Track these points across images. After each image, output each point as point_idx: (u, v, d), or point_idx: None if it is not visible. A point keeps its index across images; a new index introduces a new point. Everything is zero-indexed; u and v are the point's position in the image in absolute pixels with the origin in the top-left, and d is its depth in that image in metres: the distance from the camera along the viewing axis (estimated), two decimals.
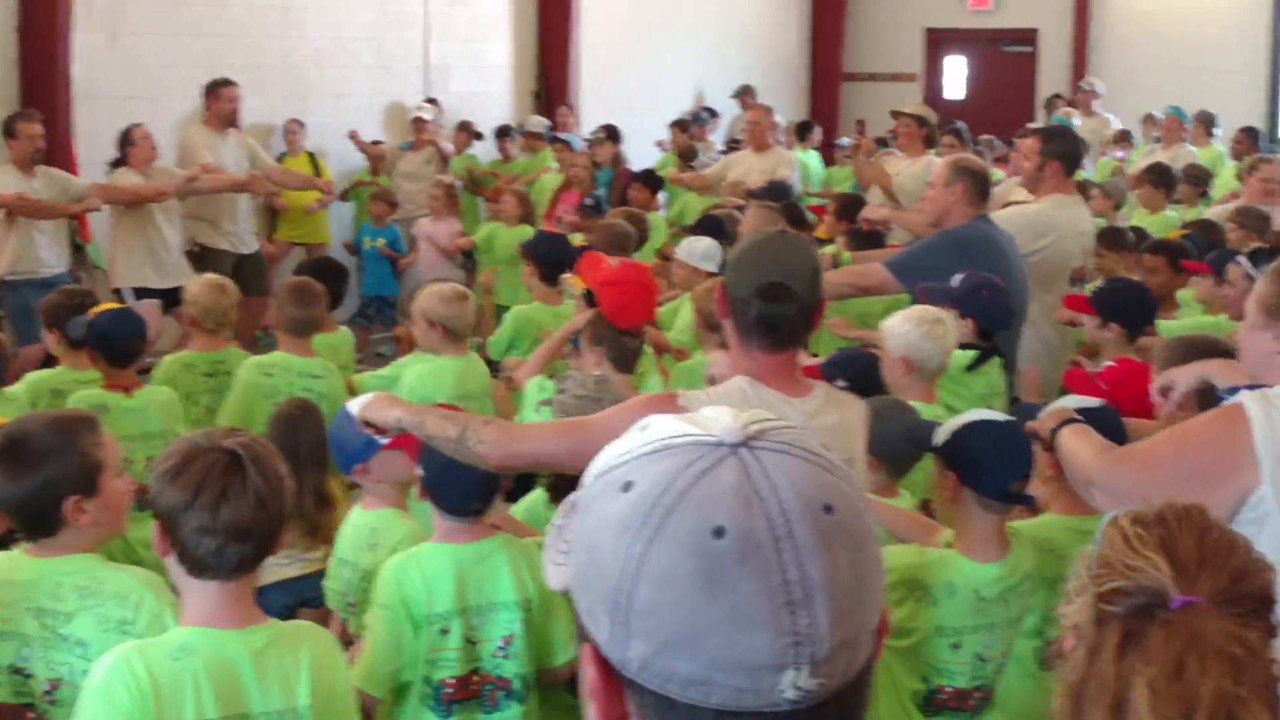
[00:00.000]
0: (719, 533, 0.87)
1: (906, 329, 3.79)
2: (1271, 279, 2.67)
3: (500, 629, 2.98)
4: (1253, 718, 1.35)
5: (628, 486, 0.90)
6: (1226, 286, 4.94)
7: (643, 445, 0.92)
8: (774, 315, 2.59)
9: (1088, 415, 3.03)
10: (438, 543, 2.94)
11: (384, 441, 2.99)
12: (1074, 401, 3.28)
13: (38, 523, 2.50)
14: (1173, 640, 1.37)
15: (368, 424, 2.71)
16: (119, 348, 4.34)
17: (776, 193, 6.84)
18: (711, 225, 6.23)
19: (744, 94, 11.44)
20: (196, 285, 5.06)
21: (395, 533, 3.17)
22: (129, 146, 6.96)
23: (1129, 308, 4.41)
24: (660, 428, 0.94)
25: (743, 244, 2.93)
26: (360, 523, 3.31)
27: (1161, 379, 3.16)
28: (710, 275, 5.42)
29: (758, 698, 0.87)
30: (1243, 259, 5.02)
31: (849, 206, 6.52)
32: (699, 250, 5.54)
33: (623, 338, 4.41)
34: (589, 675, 0.94)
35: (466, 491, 2.87)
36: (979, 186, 4.99)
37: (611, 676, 0.92)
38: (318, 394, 4.45)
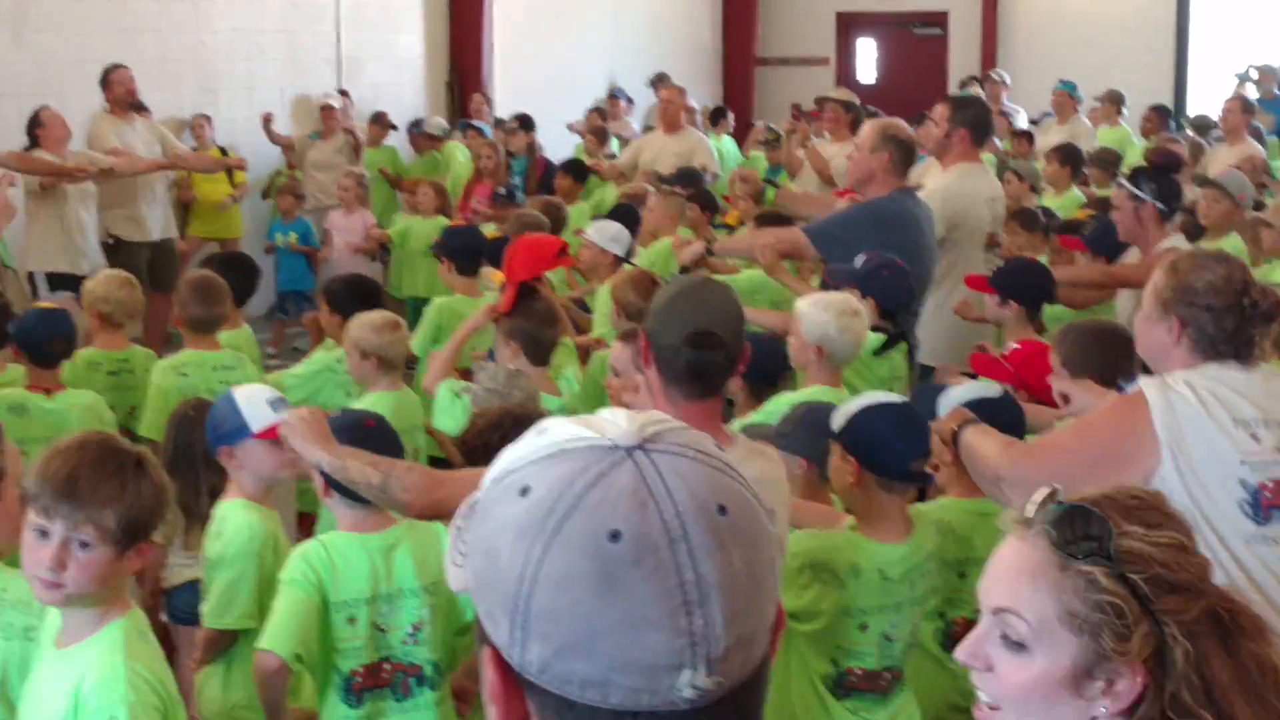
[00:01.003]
0: (615, 536, 0.89)
1: (824, 318, 3.86)
2: (1167, 272, 2.77)
3: (409, 615, 3.03)
4: None
5: (525, 491, 0.92)
6: (1115, 213, 5.08)
7: (540, 449, 0.94)
8: (703, 363, 2.62)
9: (988, 405, 3.20)
10: (345, 531, 2.97)
11: (254, 430, 3.08)
12: (974, 390, 3.40)
13: None
14: (1245, 637, 1.50)
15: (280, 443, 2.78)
16: (43, 348, 4.34)
17: (686, 179, 6.94)
18: (624, 213, 6.32)
19: (658, 81, 11.53)
20: (101, 280, 4.99)
21: (235, 521, 3.15)
22: (38, 129, 6.94)
23: (1027, 286, 4.55)
24: (557, 431, 0.95)
25: (666, 292, 2.92)
26: (231, 517, 3.28)
27: (1059, 386, 3.31)
28: (617, 260, 5.52)
29: (655, 697, 0.89)
30: (1124, 180, 5.19)
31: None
32: (609, 232, 5.59)
33: (538, 330, 4.42)
34: (489, 677, 0.95)
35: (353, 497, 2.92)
36: (904, 155, 5.12)
37: (511, 678, 0.94)
38: (232, 386, 4.43)
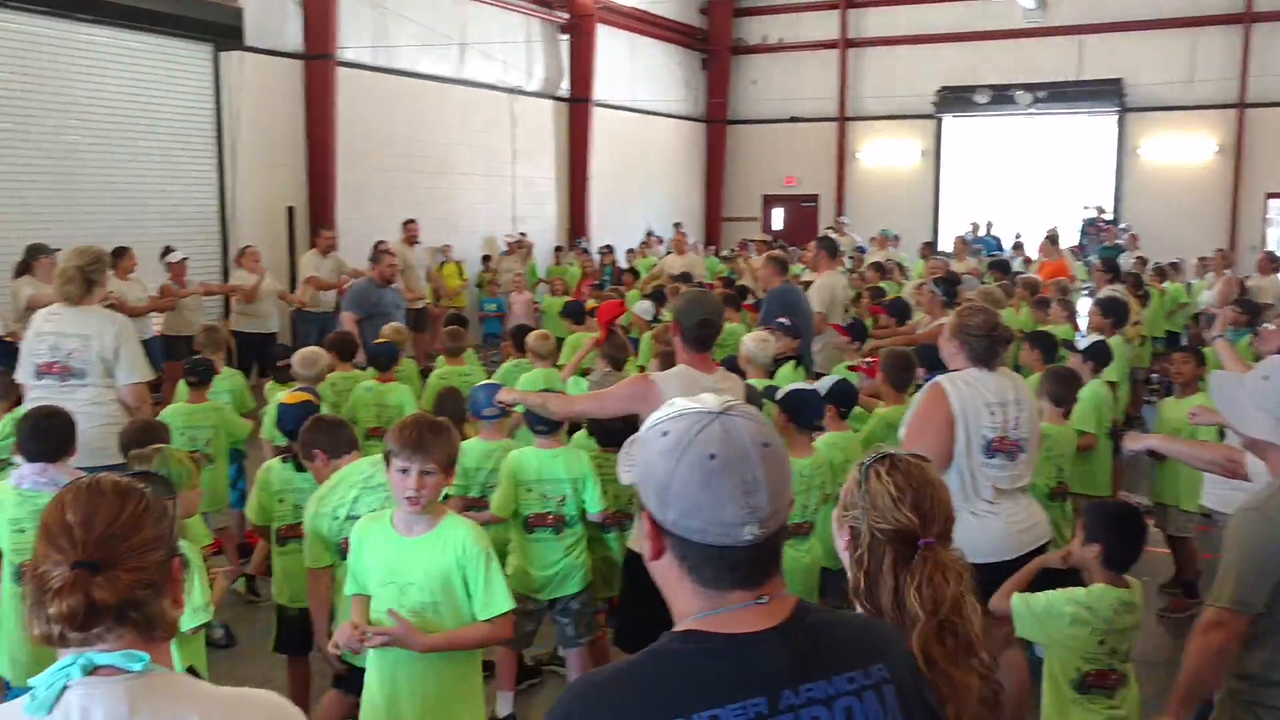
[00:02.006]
0: (712, 457, 1.41)
1: (752, 345, 6.15)
2: (956, 315, 4.17)
3: (563, 490, 4.65)
4: (970, 605, 1.95)
5: (665, 434, 1.46)
6: (916, 295, 9.50)
7: (672, 412, 1.48)
8: (704, 335, 4.16)
9: (836, 386, 5.21)
10: (535, 449, 4.60)
11: (492, 414, 4.66)
12: (828, 381, 5.40)
13: None
14: (925, 563, 1.96)
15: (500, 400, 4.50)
16: (382, 360, 6.88)
17: (684, 279, 13.59)
18: (654, 294, 10.50)
19: (677, 225, 19.14)
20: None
21: (477, 449, 4.89)
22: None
23: (856, 330, 7.73)
24: (679, 404, 1.49)
25: (685, 297, 4.43)
26: (471, 447, 4.88)
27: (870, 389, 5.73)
28: (649, 321, 8.79)
29: (731, 539, 1.42)
30: (932, 285, 8.81)
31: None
32: (642, 307, 9.37)
33: (617, 352, 6.41)
34: (645, 526, 1.50)
35: (548, 426, 4.61)
36: (782, 266, 8.26)
37: (657, 527, 1.48)
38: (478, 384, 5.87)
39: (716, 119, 24.03)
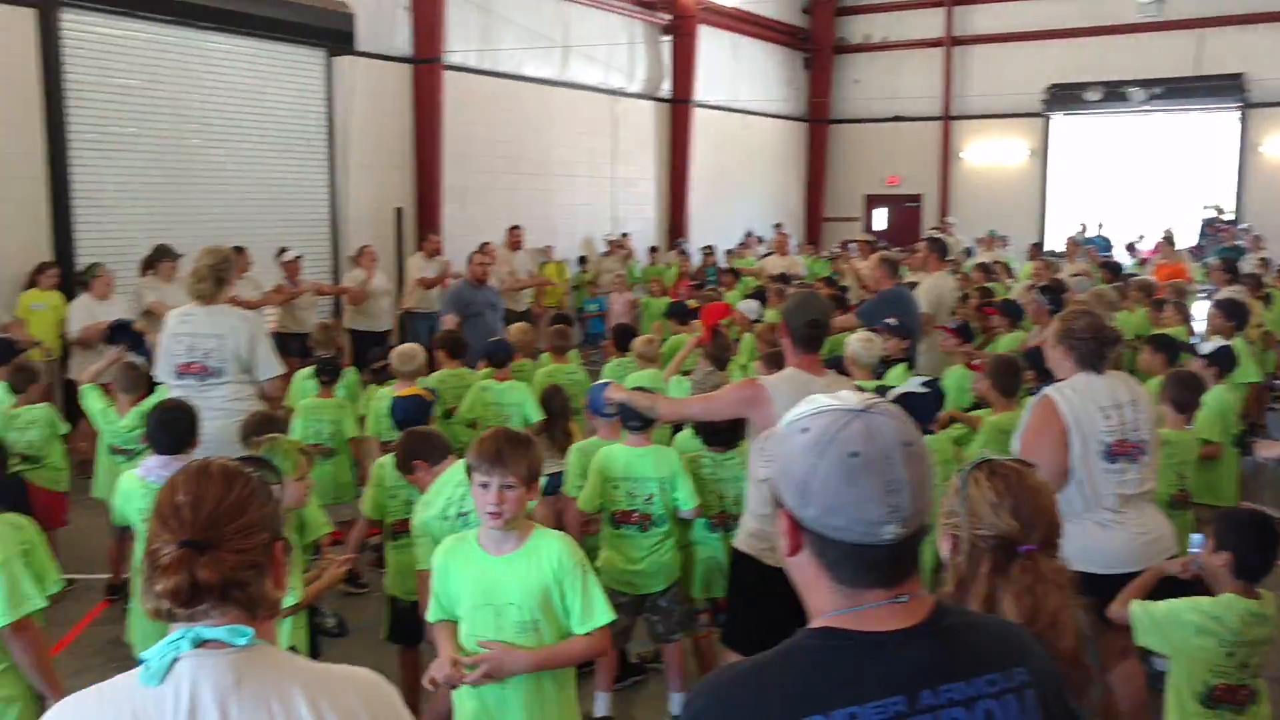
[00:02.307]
0: (854, 454, 1.40)
1: (858, 345, 6.13)
2: (1060, 320, 4.08)
3: (649, 489, 4.72)
4: (1070, 617, 1.92)
5: (805, 430, 1.45)
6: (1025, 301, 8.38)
7: (812, 409, 1.48)
8: (814, 336, 4.13)
9: (925, 388, 5.06)
10: (624, 446, 4.76)
11: (611, 411, 4.74)
12: (916, 381, 5.29)
13: None
14: (1025, 573, 1.94)
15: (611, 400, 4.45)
16: (499, 357, 7.27)
17: (783, 279, 13.43)
18: (757, 294, 10.62)
19: (778, 226, 19.06)
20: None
21: (582, 448, 5.09)
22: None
23: (969, 332, 7.65)
24: (820, 400, 1.48)
25: (794, 299, 4.43)
26: (581, 446, 5.09)
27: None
28: (753, 320, 8.71)
29: (872, 538, 1.42)
30: (1038, 293, 8.37)
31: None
32: (747, 307, 9.31)
33: (720, 351, 6.76)
34: (784, 524, 1.49)
35: (640, 423, 4.69)
36: (893, 269, 8.22)
37: (796, 525, 1.46)
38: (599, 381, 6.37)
39: (818, 118, 23.80)
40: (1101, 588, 3.05)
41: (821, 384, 4.00)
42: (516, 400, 6.52)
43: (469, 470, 3.03)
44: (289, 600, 3.55)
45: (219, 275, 5.54)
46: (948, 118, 22.94)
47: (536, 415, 6.32)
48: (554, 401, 6.02)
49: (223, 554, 1.60)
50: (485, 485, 2.93)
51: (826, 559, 1.46)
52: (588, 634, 3.06)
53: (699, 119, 19.49)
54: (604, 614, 3.06)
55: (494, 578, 3.02)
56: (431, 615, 3.17)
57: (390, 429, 5.85)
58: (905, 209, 23.45)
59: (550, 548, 3.03)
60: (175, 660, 1.58)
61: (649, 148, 18.95)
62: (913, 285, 9.00)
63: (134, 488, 4.41)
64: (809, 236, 22.91)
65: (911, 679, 1.43)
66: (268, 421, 4.94)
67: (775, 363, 5.16)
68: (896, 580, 1.48)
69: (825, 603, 1.49)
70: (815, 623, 1.51)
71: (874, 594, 1.47)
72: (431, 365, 7.27)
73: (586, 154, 17.32)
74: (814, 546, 1.47)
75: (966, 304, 10.09)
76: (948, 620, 1.51)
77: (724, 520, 4.96)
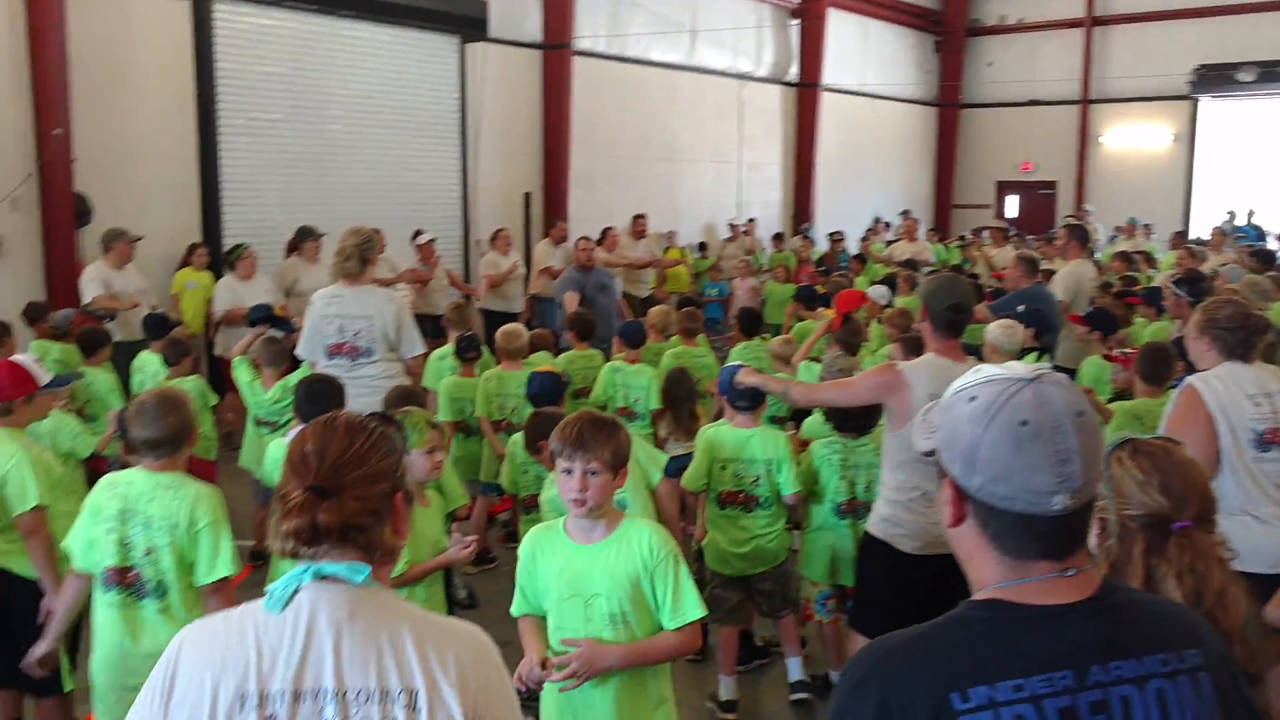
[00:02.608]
0: (1024, 423, 1.39)
1: (998, 332, 6.03)
2: (1202, 310, 3.89)
3: (756, 470, 4.77)
4: (1236, 593, 1.87)
5: (972, 399, 1.44)
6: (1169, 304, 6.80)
7: (980, 377, 1.46)
8: (955, 321, 4.04)
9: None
10: (732, 428, 4.81)
11: (729, 384, 4.62)
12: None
13: None
14: (1183, 550, 1.88)
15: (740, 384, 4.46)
16: (634, 338, 7.43)
17: (910, 265, 12.91)
18: (886, 280, 10.63)
19: (905, 212, 18.70)
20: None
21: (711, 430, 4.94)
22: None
23: (1103, 322, 7.14)
24: (987, 370, 1.47)
25: (935, 281, 4.33)
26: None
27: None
28: (884, 306, 8.70)
29: (1039, 508, 1.39)
30: (1174, 285, 6.97)
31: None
32: (877, 293, 9.26)
33: (850, 338, 6.62)
34: (947, 494, 1.48)
35: (749, 403, 4.72)
36: (1032, 268, 8.23)
37: (960, 494, 1.45)
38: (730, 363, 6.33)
39: (949, 103, 23.25)
40: (1262, 589, 2.90)
41: (962, 370, 3.90)
42: (644, 384, 6.55)
43: (553, 456, 2.92)
44: (402, 564, 3.57)
45: (364, 255, 5.69)
46: (1087, 101, 22.10)
47: (655, 403, 6.35)
48: (680, 385, 6.06)
49: (343, 500, 1.69)
50: (569, 471, 2.81)
51: (991, 529, 1.44)
52: (678, 629, 2.90)
53: (826, 103, 19.26)
54: (695, 608, 2.90)
55: (581, 568, 2.89)
56: (516, 609, 3.06)
57: (499, 409, 6.17)
58: (1039, 196, 22.79)
59: (641, 535, 2.90)
60: (297, 590, 1.69)
61: (775, 133, 18.80)
62: (1050, 273, 8.74)
63: (282, 454, 4.57)
64: (937, 223, 22.45)
65: (1080, 654, 1.40)
66: (407, 396, 5.09)
67: (913, 349, 5.07)
68: (1064, 553, 1.44)
69: (989, 575, 1.47)
70: (979, 595, 1.48)
71: (1041, 566, 1.44)
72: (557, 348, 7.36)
73: (712, 139, 17.29)
74: (979, 516, 1.45)
75: (1107, 293, 9.81)
76: (1117, 596, 1.48)
77: (854, 507, 4.92)
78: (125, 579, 3.50)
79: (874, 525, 4.33)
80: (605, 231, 12.67)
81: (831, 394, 4.56)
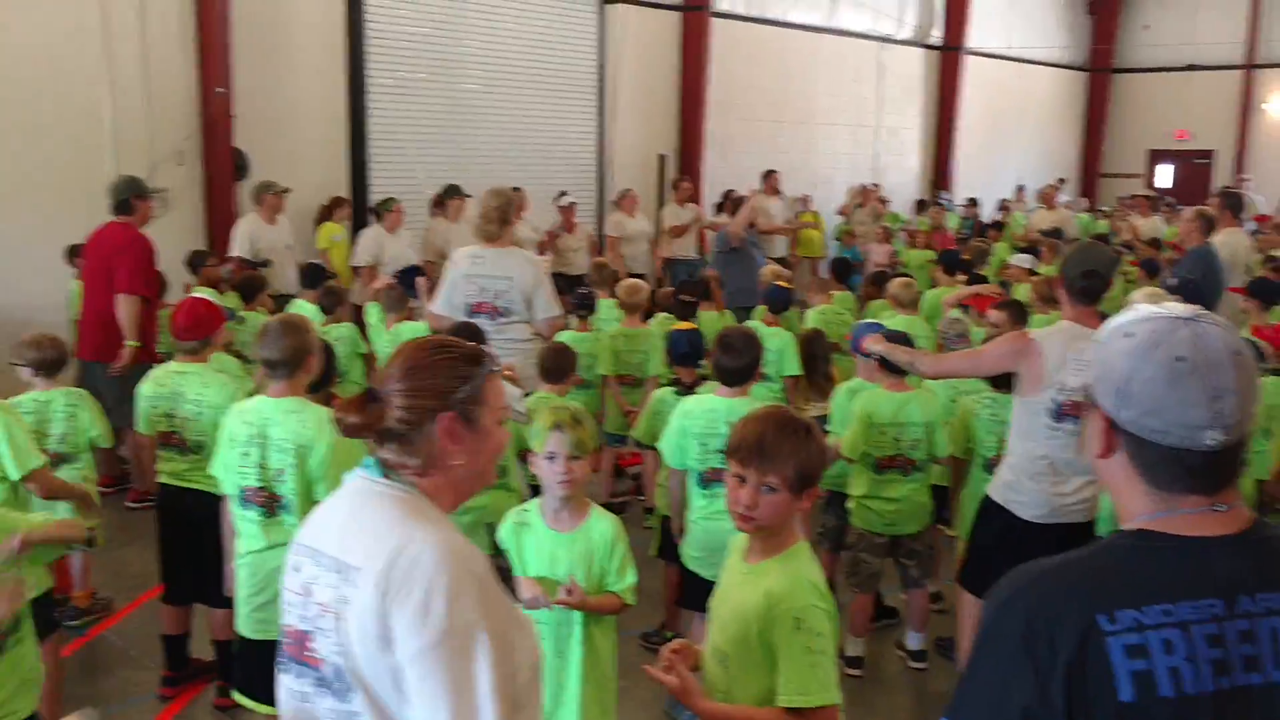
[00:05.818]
0: (1180, 359, 1.41)
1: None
2: None
3: (915, 434, 4.84)
4: None
5: (1129, 335, 1.46)
6: None
7: (1137, 316, 1.49)
8: (1090, 288, 3.98)
9: None
10: (887, 392, 4.83)
11: (861, 341, 4.81)
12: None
13: None
14: None
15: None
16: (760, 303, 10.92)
17: (1054, 234, 12.69)
18: (1028, 249, 11.43)
19: (1061, 181, 18.10)
20: None
21: (861, 387, 5.07)
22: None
23: (1266, 292, 7.27)
24: (1145, 309, 1.49)
25: (1073, 250, 4.26)
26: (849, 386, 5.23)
27: None
28: (1029, 272, 8.98)
29: (1191, 442, 1.41)
30: None
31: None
32: (1025, 259, 9.87)
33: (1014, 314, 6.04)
34: (1098, 425, 1.50)
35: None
36: (1208, 227, 7.99)
37: (1110, 425, 1.48)
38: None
39: (1101, 67, 22.30)
40: None
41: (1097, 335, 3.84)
42: (778, 347, 6.51)
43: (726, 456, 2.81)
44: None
45: (503, 216, 5.79)
46: (1251, 66, 20.96)
47: (793, 368, 6.32)
48: (815, 345, 6.06)
49: (384, 405, 1.83)
50: (740, 478, 2.42)
51: (1141, 461, 1.46)
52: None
53: (970, 67, 18.72)
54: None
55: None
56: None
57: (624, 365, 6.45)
58: (1194, 165, 21.75)
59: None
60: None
61: (915, 96, 18.39)
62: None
63: None
64: (1084, 192, 21.64)
65: (1230, 583, 1.41)
66: (562, 353, 5.28)
67: (1018, 315, 5.26)
68: (1215, 488, 1.45)
69: (1138, 506, 1.48)
70: (1128, 525, 1.49)
71: (1191, 500, 1.45)
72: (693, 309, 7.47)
73: (851, 103, 17.02)
74: (1129, 447, 1.46)
75: (1267, 265, 9.47)
76: (1268, 532, 1.48)
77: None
78: (260, 497, 3.77)
79: (994, 489, 4.31)
80: (726, 194, 12.54)
81: (961, 364, 4.50)
